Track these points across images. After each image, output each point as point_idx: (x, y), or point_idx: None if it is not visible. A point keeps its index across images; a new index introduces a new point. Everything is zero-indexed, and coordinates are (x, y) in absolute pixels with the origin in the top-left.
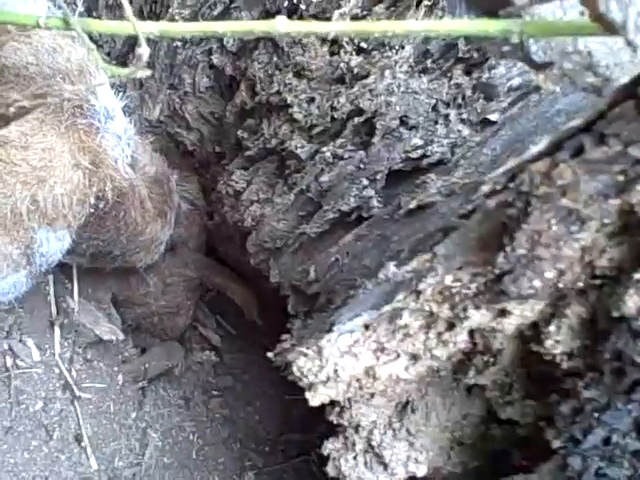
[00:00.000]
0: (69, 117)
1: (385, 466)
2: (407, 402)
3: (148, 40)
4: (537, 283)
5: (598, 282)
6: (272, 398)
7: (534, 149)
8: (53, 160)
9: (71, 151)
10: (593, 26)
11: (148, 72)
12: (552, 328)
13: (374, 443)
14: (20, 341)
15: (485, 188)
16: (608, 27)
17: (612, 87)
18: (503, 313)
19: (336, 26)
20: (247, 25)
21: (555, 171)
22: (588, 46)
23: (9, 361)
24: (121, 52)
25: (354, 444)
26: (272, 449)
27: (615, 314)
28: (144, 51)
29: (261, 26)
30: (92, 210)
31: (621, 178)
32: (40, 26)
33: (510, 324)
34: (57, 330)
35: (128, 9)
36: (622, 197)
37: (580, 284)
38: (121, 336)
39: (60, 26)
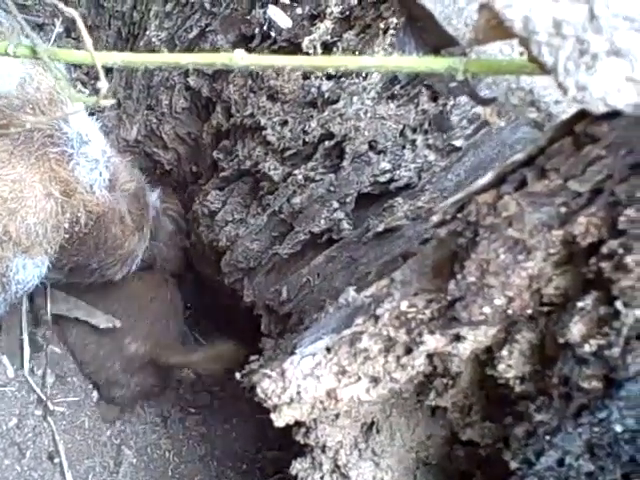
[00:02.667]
0: (39, 147)
1: None
2: (372, 423)
3: None
4: (487, 310)
5: (546, 309)
6: (249, 416)
7: (480, 182)
8: (24, 191)
9: (42, 181)
10: (532, 66)
11: (112, 101)
12: (504, 353)
13: (340, 463)
14: None
15: (435, 218)
16: (543, 68)
17: (554, 122)
18: (458, 338)
19: (292, 60)
20: (208, 57)
21: (500, 203)
22: (531, 83)
23: None
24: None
25: (321, 464)
26: (249, 467)
27: (561, 340)
28: (103, 85)
29: (221, 58)
30: (67, 235)
31: (563, 210)
32: (9, 54)
33: (465, 348)
34: (26, 347)
35: (88, 41)
36: (565, 228)
37: (529, 311)
38: (118, 324)
39: (28, 55)
